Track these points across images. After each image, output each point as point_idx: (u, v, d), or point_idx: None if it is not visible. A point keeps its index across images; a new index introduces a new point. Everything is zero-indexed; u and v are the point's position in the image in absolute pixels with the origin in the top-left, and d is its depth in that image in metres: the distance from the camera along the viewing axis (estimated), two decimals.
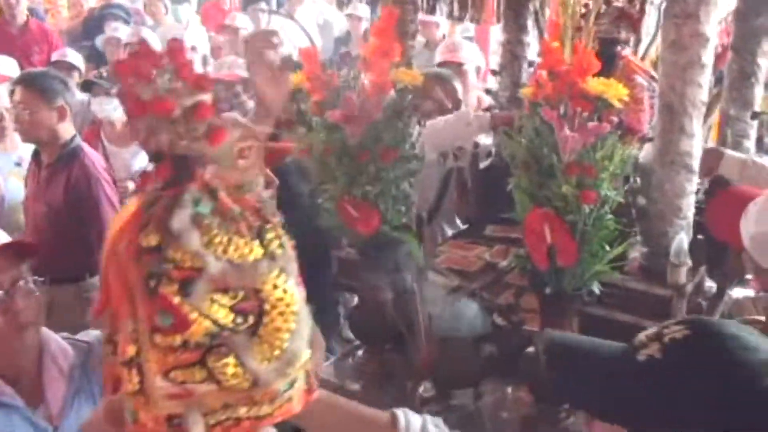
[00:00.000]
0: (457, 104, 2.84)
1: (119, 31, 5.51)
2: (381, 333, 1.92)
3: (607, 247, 1.57)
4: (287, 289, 0.82)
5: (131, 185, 3.61)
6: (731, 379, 0.90)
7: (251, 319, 0.80)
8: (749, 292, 2.03)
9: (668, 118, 1.71)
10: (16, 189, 3.19)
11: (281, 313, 0.82)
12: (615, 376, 0.98)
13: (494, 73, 2.84)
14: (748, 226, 1.70)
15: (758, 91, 2.43)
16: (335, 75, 1.72)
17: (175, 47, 0.79)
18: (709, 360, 0.92)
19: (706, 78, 1.69)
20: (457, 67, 3.54)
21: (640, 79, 2.36)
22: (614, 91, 1.49)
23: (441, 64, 3.66)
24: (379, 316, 1.90)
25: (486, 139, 2.86)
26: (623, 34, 2.40)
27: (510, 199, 1.66)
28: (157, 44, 4.78)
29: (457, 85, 2.90)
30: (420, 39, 6.63)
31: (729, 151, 2.16)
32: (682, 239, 1.72)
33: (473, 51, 3.87)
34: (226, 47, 6.06)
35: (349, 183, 1.76)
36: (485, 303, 1.93)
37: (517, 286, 1.84)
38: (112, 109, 3.94)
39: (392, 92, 1.74)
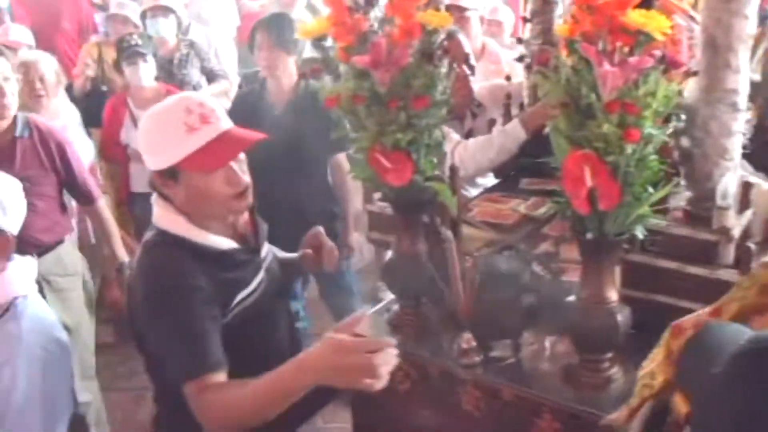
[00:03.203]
0: (465, 58, 2.75)
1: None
2: (417, 286, 1.88)
3: (651, 190, 1.51)
4: None
5: None
6: None
7: None
8: None
9: (712, 53, 1.61)
10: None
11: None
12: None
13: (525, 20, 2.73)
14: None
15: None
16: (362, 19, 1.66)
17: None
18: None
19: (753, 9, 1.59)
20: (460, 13, 3.47)
21: (678, 20, 2.25)
22: (656, 23, 1.41)
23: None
24: (414, 269, 1.87)
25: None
26: None
27: (544, 146, 1.60)
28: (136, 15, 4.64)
29: (462, 39, 2.80)
30: None
31: None
32: (729, 181, 1.65)
33: None
34: None
35: (379, 132, 1.71)
36: (523, 254, 1.88)
37: (556, 236, 1.78)
38: (143, 76, 3.89)
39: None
